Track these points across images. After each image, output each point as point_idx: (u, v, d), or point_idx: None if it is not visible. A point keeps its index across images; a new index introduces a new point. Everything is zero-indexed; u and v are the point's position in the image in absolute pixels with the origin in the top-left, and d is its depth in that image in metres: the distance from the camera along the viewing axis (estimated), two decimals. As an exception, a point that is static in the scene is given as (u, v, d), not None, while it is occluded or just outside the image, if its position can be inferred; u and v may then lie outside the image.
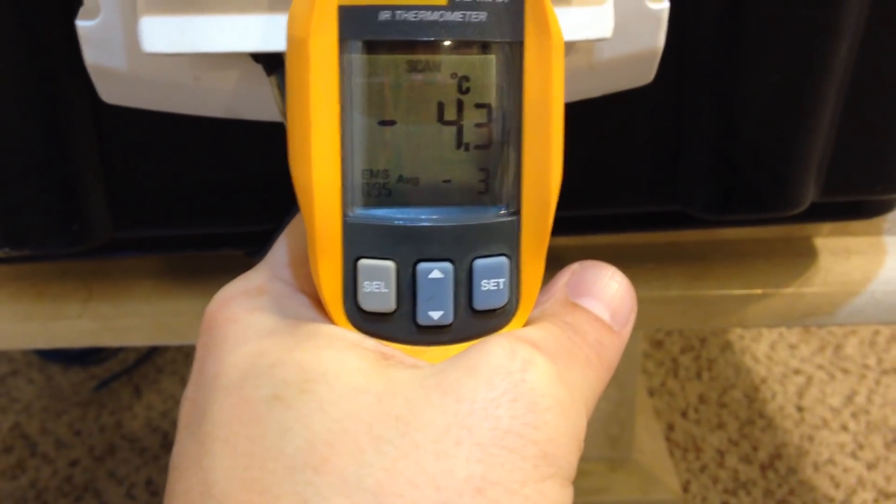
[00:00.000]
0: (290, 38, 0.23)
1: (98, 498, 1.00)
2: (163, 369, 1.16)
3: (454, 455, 0.21)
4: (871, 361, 1.17)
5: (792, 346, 1.19)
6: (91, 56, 0.31)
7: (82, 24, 0.30)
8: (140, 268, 0.46)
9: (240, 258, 0.42)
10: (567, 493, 0.23)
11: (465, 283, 0.24)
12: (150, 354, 1.18)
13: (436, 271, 0.24)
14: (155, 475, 1.02)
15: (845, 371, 1.16)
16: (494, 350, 0.23)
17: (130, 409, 1.11)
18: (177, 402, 1.11)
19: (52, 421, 1.09)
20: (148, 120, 0.34)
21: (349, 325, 0.25)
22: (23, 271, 0.46)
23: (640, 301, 0.28)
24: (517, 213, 0.25)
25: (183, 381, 1.14)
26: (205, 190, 0.38)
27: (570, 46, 0.32)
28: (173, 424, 1.10)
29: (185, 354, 1.18)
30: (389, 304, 0.24)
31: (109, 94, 0.32)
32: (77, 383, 1.14)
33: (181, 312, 0.46)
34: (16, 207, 0.36)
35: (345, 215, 0.24)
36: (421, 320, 0.24)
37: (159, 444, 1.06)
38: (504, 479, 0.21)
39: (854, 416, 1.09)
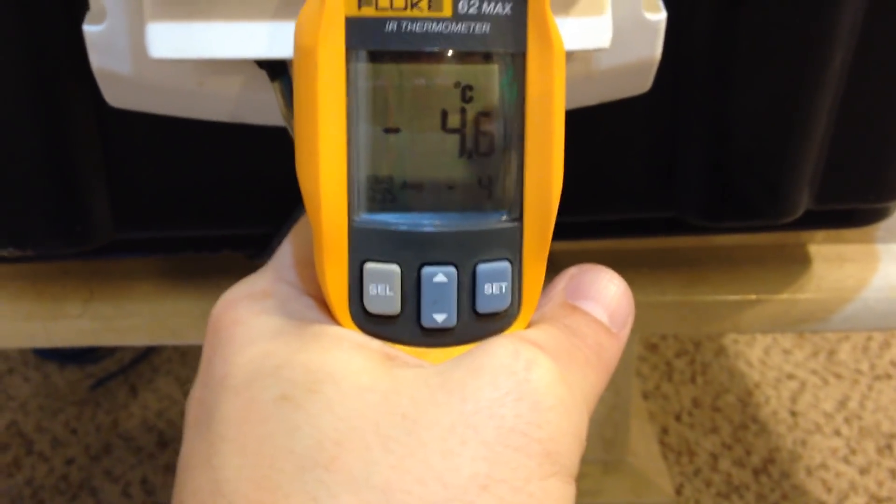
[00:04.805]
0: (298, 47, 0.24)
1: (94, 496, 1.00)
2: (158, 369, 1.17)
3: (460, 453, 0.22)
4: (864, 367, 1.18)
5: (786, 351, 1.20)
6: (97, 60, 0.31)
7: (89, 28, 0.31)
8: (141, 269, 0.47)
9: (240, 260, 0.42)
10: (570, 491, 0.23)
11: (468, 287, 0.25)
12: (147, 354, 1.18)
13: (440, 275, 0.24)
14: (150, 474, 1.03)
15: (838, 376, 1.16)
16: (498, 350, 0.24)
17: (126, 409, 1.11)
18: (173, 402, 1.11)
19: (49, 419, 1.09)
20: (151, 122, 0.34)
21: (354, 327, 0.25)
22: (24, 271, 0.46)
23: (636, 306, 0.28)
24: (519, 218, 0.25)
25: (179, 381, 1.14)
26: (206, 192, 0.39)
27: (569, 56, 0.32)
28: (169, 424, 1.10)
29: (181, 354, 1.18)
30: (394, 307, 0.25)
31: (115, 98, 0.33)
32: (73, 382, 1.14)
33: (181, 313, 0.46)
34: (19, 208, 0.36)
35: (351, 220, 0.24)
36: (425, 323, 0.25)
37: (155, 444, 1.06)
38: (509, 476, 0.22)
39: (847, 421, 1.10)
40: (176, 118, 0.34)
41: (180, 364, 1.17)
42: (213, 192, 0.39)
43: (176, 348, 1.18)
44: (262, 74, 0.31)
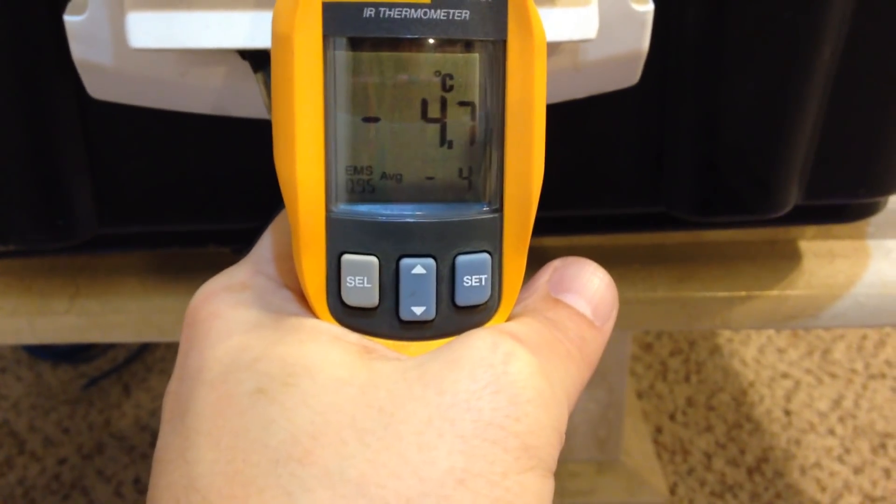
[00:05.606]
0: (275, 35, 0.24)
1: (86, 496, 1.00)
2: (152, 368, 1.16)
3: (436, 447, 0.22)
4: (859, 366, 1.18)
5: (780, 350, 1.20)
6: (78, 51, 0.31)
7: (70, 18, 0.30)
8: (127, 264, 0.46)
9: (226, 255, 0.42)
10: (548, 485, 0.23)
11: (447, 279, 0.25)
12: (140, 353, 1.18)
13: (418, 267, 0.24)
14: (143, 473, 1.02)
15: (833, 375, 1.16)
16: (477, 343, 0.23)
17: (119, 408, 1.10)
18: (166, 401, 1.11)
19: (41, 418, 1.09)
20: (135, 115, 0.34)
21: (332, 320, 0.25)
22: (10, 267, 0.46)
23: (626, 302, 0.28)
24: (499, 210, 0.25)
25: (172, 380, 1.14)
26: (191, 186, 0.38)
27: (555, 47, 0.32)
28: (162, 423, 1.09)
29: (175, 353, 1.17)
30: (372, 300, 0.24)
31: (96, 89, 0.33)
32: (66, 381, 1.14)
33: (168, 309, 0.46)
34: (1, 202, 0.36)
35: (328, 211, 0.24)
36: (403, 315, 0.25)
37: (148, 443, 1.06)
38: (486, 470, 0.22)
39: (841, 420, 1.10)
40: (160, 111, 0.34)
41: (174, 363, 1.16)
42: (199, 186, 0.39)
43: (169, 347, 1.18)
44: (245, 66, 0.31)
